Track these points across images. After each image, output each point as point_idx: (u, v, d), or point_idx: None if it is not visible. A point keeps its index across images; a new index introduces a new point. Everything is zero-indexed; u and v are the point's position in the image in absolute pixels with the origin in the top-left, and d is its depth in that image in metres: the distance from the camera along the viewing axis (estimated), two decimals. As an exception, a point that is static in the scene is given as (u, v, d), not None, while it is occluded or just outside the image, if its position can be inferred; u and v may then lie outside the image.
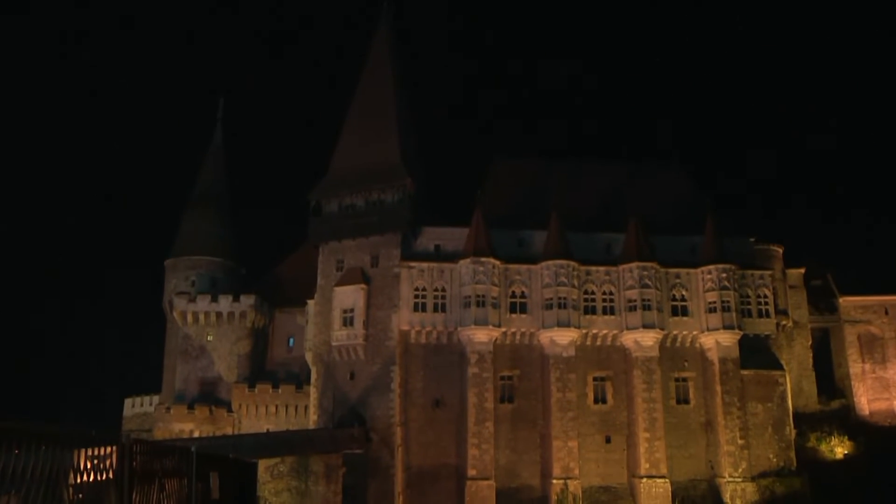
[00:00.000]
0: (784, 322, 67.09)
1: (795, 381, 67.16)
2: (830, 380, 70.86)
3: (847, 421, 67.97)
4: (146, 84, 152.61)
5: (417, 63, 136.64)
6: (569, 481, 57.65)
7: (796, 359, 68.64)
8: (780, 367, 63.83)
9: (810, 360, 69.68)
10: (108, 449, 6.73)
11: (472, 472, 57.41)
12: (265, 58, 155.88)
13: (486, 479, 57.39)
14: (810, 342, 70.13)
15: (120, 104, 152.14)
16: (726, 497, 59.27)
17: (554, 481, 57.68)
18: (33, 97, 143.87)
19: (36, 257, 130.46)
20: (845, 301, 71.92)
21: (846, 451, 64.95)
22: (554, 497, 57.30)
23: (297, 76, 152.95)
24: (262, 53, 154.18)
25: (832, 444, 65.25)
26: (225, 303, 71.18)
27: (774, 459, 61.52)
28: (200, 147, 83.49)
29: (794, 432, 63.06)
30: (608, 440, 60.73)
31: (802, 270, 70.75)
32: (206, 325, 71.38)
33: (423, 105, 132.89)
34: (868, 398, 70.17)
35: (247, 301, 71.21)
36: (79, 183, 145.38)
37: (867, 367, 70.86)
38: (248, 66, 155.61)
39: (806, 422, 65.73)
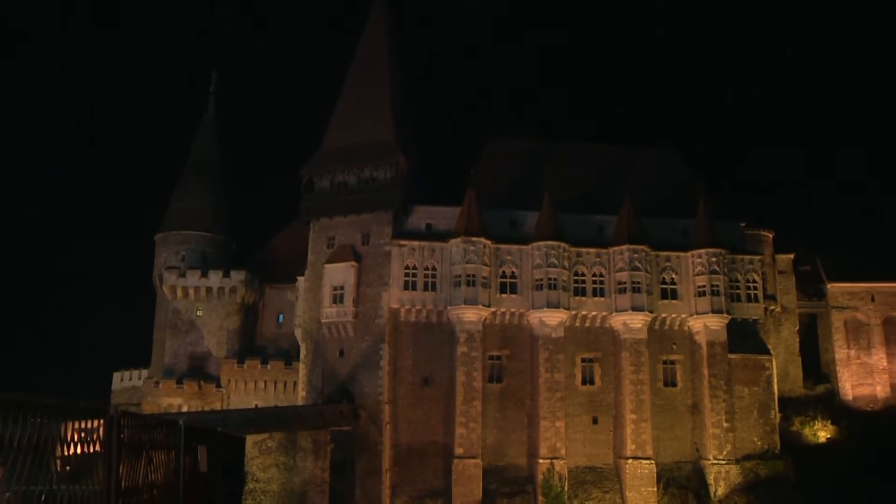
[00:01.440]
0: (772, 307, 66.76)
1: (782, 365, 66.90)
2: (816, 365, 70.70)
3: (831, 405, 68.01)
4: (140, 57, 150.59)
5: (413, 40, 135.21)
6: (555, 461, 57.38)
7: (783, 343, 68.36)
8: (767, 352, 63.53)
9: (797, 345, 69.47)
10: (97, 422, 6.55)
11: (459, 451, 57.00)
12: (260, 31, 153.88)
13: (474, 457, 57.00)
14: (797, 327, 69.89)
15: (113, 76, 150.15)
16: (710, 479, 59.13)
17: (540, 461, 57.39)
18: (25, 69, 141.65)
19: (26, 230, 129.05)
20: (833, 287, 71.57)
21: (829, 436, 65.07)
22: (540, 476, 56.98)
23: (293, 50, 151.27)
24: (256, 26, 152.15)
25: (816, 428, 65.32)
26: (215, 278, 70.21)
27: (759, 442, 61.39)
28: (192, 120, 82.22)
29: (779, 416, 62.96)
30: (595, 421, 60.36)
31: (792, 256, 70.34)
32: (196, 300, 70.44)
33: (419, 83, 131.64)
34: (852, 383, 70.10)
35: (237, 276, 70.26)
36: (69, 156, 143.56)
37: (852, 352, 70.73)
38: (243, 40, 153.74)
39: (791, 406, 65.65)
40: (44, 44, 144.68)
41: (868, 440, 61.90)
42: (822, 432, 65.08)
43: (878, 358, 70.21)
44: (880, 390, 69.55)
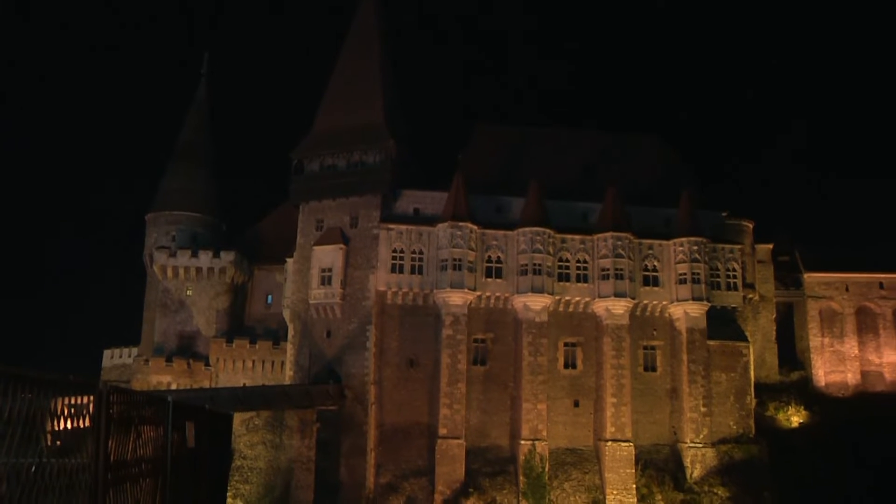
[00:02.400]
0: (751, 295, 67.13)
1: (758, 352, 67.39)
2: (791, 352, 71.29)
3: (805, 392, 68.61)
4: (132, 38, 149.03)
5: (403, 25, 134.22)
6: (536, 443, 57.66)
7: (760, 331, 68.82)
8: (745, 339, 63.97)
9: (774, 333, 69.94)
10: (86, 398, 6.49)
11: (443, 431, 57.15)
12: (252, 13, 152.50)
13: (457, 438, 57.18)
14: (774, 316, 70.32)
15: (104, 57, 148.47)
16: (687, 461, 59.67)
17: (522, 442, 57.65)
18: (17, 49, 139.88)
19: (18, 210, 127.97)
20: (810, 277, 72.08)
21: (802, 421, 65.74)
22: (522, 457, 57.26)
23: (284, 33, 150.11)
24: (249, 9, 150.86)
25: (789, 413, 65.98)
26: (205, 258, 69.88)
27: (734, 427, 61.88)
28: (184, 102, 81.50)
29: (754, 401, 63.51)
30: (576, 404, 60.62)
31: (771, 246, 70.70)
32: (186, 279, 70.15)
33: (409, 68, 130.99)
34: (825, 370, 70.78)
35: (227, 257, 69.95)
36: (61, 136, 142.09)
37: (826, 341, 71.35)
38: (235, 22, 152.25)
39: (766, 391, 66.22)
40: (39, 20, 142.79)
41: (839, 425, 62.60)
42: (795, 417, 65.76)
43: (850, 346, 70.90)
44: (851, 377, 70.29)
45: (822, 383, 70.25)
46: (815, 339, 71.29)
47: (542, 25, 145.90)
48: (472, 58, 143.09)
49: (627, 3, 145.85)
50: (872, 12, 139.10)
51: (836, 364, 70.91)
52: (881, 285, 71.80)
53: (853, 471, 55.93)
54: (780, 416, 65.66)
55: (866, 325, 71.41)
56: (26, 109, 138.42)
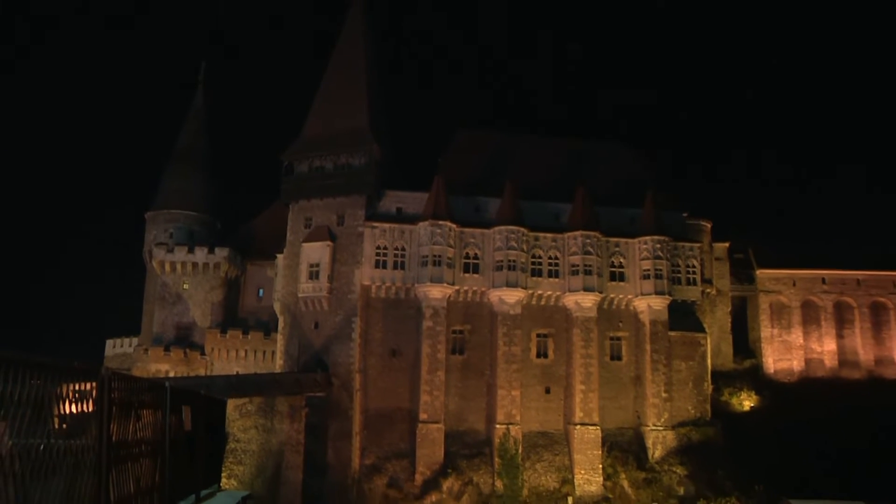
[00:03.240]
0: (708, 290, 67.69)
1: (715, 342, 67.98)
2: (745, 342, 71.95)
3: (756, 378, 69.31)
4: (136, 49, 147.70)
5: (390, 35, 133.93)
6: (511, 426, 57.81)
7: (717, 323, 69.45)
8: (703, 330, 64.48)
9: (729, 325, 70.58)
10: (90, 384, 6.55)
11: (423, 416, 57.16)
12: (248, 26, 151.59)
13: (437, 422, 57.22)
14: (730, 309, 70.96)
15: (108, 66, 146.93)
16: (649, 443, 60.06)
17: (497, 426, 57.77)
18: (20, 55, 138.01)
19: (28, 208, 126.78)
20: (761, 273, 72.79)
21: (753, 404, 66.43)
22: (497, 440, 57.40)
23: (276, 43, 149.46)
24: (244, 22, 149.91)
25: (742, 397, 66.64)
26: (201, 254, 69.54)
27: (693, 411, 62.38)
28: (181, 108, 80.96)
29: (710, 387, 64.00)
30: (548, 391, 60.77)
31: (727, 245, 71.27)
32: (183, 274, 69.73)
33: (393, 75, 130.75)
34: (774, 358, 71.51)
35: (221, 253, 69.63)
36: (69, 141, 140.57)
37: (775, 331, 72.06)
38: (231, 34, 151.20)
39: (722, 378, 66.80)
40: (57, 42, 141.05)
41: (786, 408, 63.37)
42: (747, 402, 66.44)
43: (796, 336, 71.76)
44: (796, 364, 71.18)
45: (772, 370, 71.03)
46: (766, 330, 72.05)
47: (514, 38, 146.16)
48: (454, 65, 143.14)
49: (595, 15, 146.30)
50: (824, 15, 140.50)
51: (783, 353, 71.72)
52: (823, 280, 72.77)
53: (797, 448, 56.67)
54: (734, 401, 66.31)
55: (810, 316, 72.34)
56: (43, 117, 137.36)
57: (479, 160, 65.63)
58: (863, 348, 71.59)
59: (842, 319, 72.35)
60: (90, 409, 6.58)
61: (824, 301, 72.46)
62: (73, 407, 6.27)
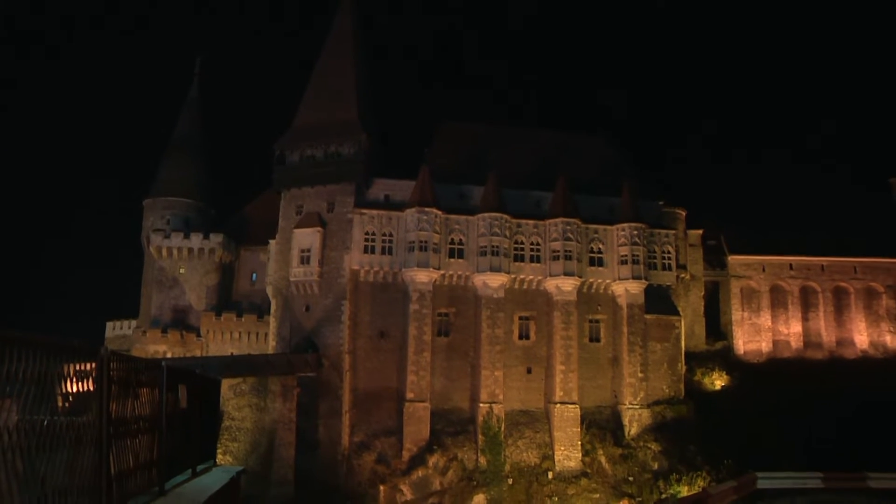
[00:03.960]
0: (683, 275, 68.14)
1: (689, 325, 68.54)
2: (717, 325, 72.57)
3: (727, 359, 69.92)
4: (131, 39, 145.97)
5: (379, 28, 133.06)
6: (494, 405, 58.15)
7: (691, 306, 69.98)
8: (677, 313, 64.98)
9: (702, 308, 71.13)
10: (90, 365, 6.62)
11: (410, 395, 57.37)
12: (241, 18, 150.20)
13: (423, 401, 57.45)
14: (703, 293, 71.50)
15: (106, 59, 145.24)
16: (626, 420, 60.59)
17: (481, 405, 58.09)
18: (18, 45, 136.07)
19: (31, 196, 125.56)
20: (733, 259, 73.35)
21: (724, 384, 66.95)
22: (480, 418, 57.75)
23: (270, 37, 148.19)
24: (238, 14, 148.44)
25: (713, 377, 67.19)
26: (196, 240, 69.24)
27: (667, 390, 62.93)
28: (178, 100, 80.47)
29: (684, 368, 64.56)
30: (529, 371, 61.12)
31: (700, 232, 71.75)
32: (179, 259, 69.43)
33: (382, 67, 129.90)
34: (744, 340, 72.14)
35: (216, 239, 69.37)
36: (71, 131, 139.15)
37: (745, 314, 72.71)
38: (225, 26, 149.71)
39: (695, 359, 67.38)
40: (44, 21, 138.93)
41: (754, 387, 64.08)
42: (718, 381, 67.04)
43: (765, 319, 72.47)
44: (765, 346, 71.93)
45: (742, 351, 71.74)
46: (737, 314, 72.70)
47: (484, 35, 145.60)
48: (439, 59, 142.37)
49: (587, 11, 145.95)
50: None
51: (753, 335, 72.41)
52: (791, 266, 73.48)
53: (764, 425, 57.40)
54: (706, 381, 66.91)
55: (778, 300, 73.07)
56: (47, 108, 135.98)
57: (463, 150, 65.62)
58: (826, 330, 72.52)
59: (807, 303, 73.19)
60: (91, 389, 6.64)
61: (791, 286, 73.23)
62: (76, 386, 6.35)
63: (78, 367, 6.44)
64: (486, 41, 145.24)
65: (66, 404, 6.22)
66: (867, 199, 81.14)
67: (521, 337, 61.55)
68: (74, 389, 6.33)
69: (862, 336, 72.47)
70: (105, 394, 6.78)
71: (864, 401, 58.25)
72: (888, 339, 72.20)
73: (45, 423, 5.60)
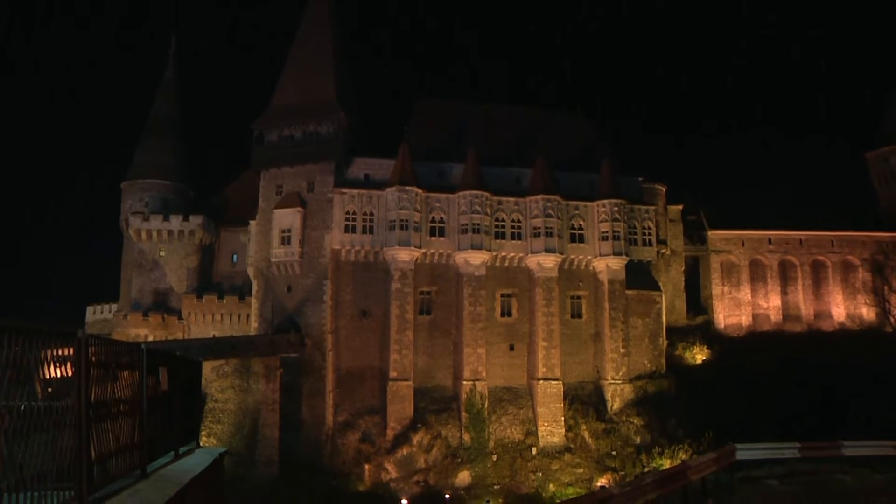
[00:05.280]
0: (663, 250, 68.56)
1: (670, 300, 69.07)
2: (697, 299, 73.23)
3: (707, 333, 70.57)
4: (105, 20, 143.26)
5: (356, 7, 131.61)
6: (477, 382, 58.49)
7: (671, 281, 70.50)
8: (658, 289, 65.46)
9: (682, 283, 71.66)
10: (70, 350, 6.54)
11: (393, 374, 57.54)
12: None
13: (406, 379, 57.67)
14: (683, 268, 72.02)
15: (81, 39, 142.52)
16: (608, 395, 61.14)
17: (464, 382, 58.38)
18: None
19: (8, 180, 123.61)
20: (713, 234, 73.93)
21: (704, 358, 67.65)
22: (464, 396, 58.06)
23: (246, 14, 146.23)
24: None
25: (694, 351, 67.86)
26: (176, 222, 68.67)
27: (648, 365, 63.53)
28: (154, 81, 79.36)
29: (665, 342, 65.10)
30: (512, 348, 61.40)
31: (681, 207, 72.14)
32: (159, 241, 68.86)
33: (360, 46, 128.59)
34: (724, 314, 72.91)
35: (195, 220, 68.81)
36: (47, 116, 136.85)
37: (725, 289, 73.44)
38: (201, 6, 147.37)
39: (676, 334, 67.94)
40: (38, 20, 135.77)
41: (734, 361, 64.84)
42: (699, 355, 67.77)
43: (745, 293, 73.28)
44: (745, 320, 72.81)
45: (722, 325, 72.55)
46: (717, 288, 73.42)
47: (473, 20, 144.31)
48: (416, 35, 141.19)
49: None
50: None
51: (733, 309, 73.22)
52: (769, 241, 74.26)
53: (744, 397, 58.23)
54: (687, 355, 67.61)
55: (757, 274, 73.90)
56: (22, 93, 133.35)
57: (441, 128, 65.36)
58: (804, 304, 73.53)
59: (786, 277, 74.10)
60: (71, 373, 6.60)
61: (770, 260, 74.04)
62: (56, 370, 6.31)
63: (57, 352, 6.39)
64: (465, 16, 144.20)
65: (49, 389, 6.19)
66: (844, 174, 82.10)
67: (503, 314, 61.75)
68: (55, 374, 6.29)
69: (839, 309, 73.59)
70: (84, 377, 6.74)
71: (842, 372, 59.30)
72: (864, 311, 73.36)
73: (23, 408, 5.58)
